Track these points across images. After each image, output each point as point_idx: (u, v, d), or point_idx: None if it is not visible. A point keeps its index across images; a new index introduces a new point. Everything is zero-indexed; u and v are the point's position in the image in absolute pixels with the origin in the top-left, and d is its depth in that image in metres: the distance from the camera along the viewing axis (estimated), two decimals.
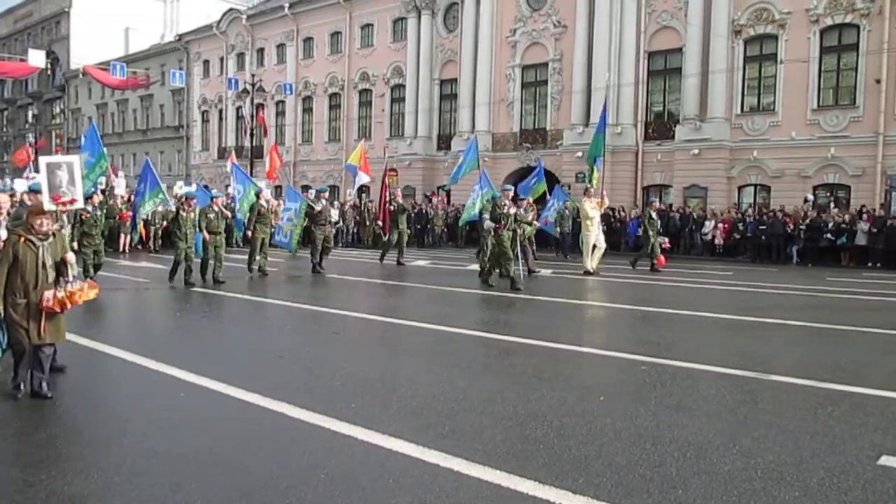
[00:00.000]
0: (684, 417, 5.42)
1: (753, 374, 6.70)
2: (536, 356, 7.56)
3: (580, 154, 27.84)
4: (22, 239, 5.54)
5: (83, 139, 14.50)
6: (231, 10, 45.37)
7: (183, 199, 14.53)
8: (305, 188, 32.40)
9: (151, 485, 4.17)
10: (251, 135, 33.80)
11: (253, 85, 32.28)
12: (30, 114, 63.41)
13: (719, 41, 25.51)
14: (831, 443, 4.83)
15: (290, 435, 5.03)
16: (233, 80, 38.24)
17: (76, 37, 57.78)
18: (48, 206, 6.05)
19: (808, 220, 21.28)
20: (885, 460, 4.51)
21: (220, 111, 46.26)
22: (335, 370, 6.93)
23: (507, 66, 31.48)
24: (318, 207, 16.35)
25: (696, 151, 25.75)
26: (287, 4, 40.15)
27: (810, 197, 23.43)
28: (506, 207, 13.62)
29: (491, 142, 31.66)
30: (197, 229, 13.91)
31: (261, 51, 43.08)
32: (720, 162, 25.64)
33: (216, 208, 14.33)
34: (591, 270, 15.97)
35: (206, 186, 23.72)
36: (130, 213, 22.33)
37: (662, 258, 17.56)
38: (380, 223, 18.29)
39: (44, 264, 5.59)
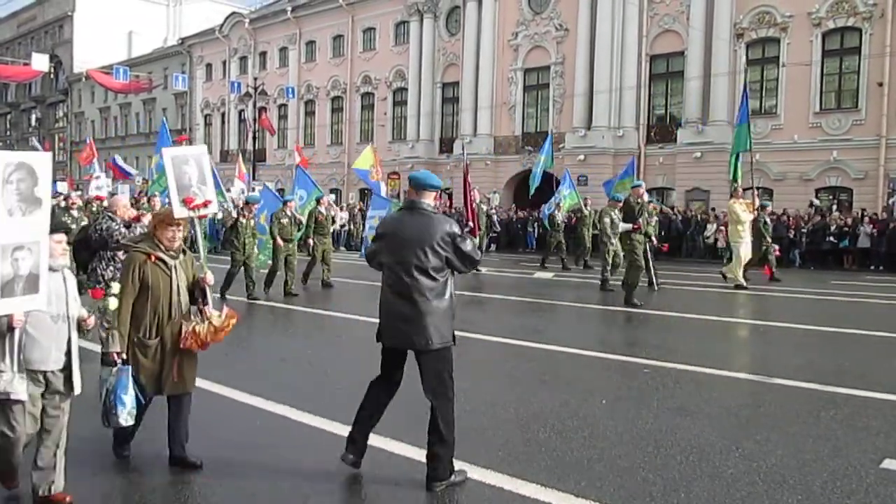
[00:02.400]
0: (686, 420, 5.41)
1: (756, 377, 6.69)
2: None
3: (582, 157, 27.87)
4: (151, 258, 4.26)
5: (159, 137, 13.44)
6: (233, 13, 45.44)
7: (242, 205, 13.52)
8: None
9: (154, 489, 4.18)
10: (254, 138, 33.79)
11: (255, 88, 32.26)
12: (33, 117, 63.62)
13: (721, 44, 25.50)
14: (834, 446, 4.83)
15: (292, 438, 5.04)
16: (235, 84, 38.27)
17: (79, 41, 57.88)
18: (180, 211, 4.68)
19: (811, 224, 21.25)
20: (888, 464, 4.50)
21: (223, 114, 46.32)
22: (340, 374, 6.94)
23: (508, 70, 31.49)
24: None
25: (699, 154, 25.72)
26: (289, 8, 40.21)
27: (816, 201, 23.40)
28: (640, 207, 12.32)
29: (493, 145, 31.66)
30: (259, 237, 12.60)
31: (263, 54, 43.14)
32: (722, 165, 25.52)
33: (289, 213, 13.02)
34: (744, 283, 13.87)
35: (280, 190, 22.74)
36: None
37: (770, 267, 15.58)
38: (470, 224, 17.15)
39: (178, 290, 4.34)
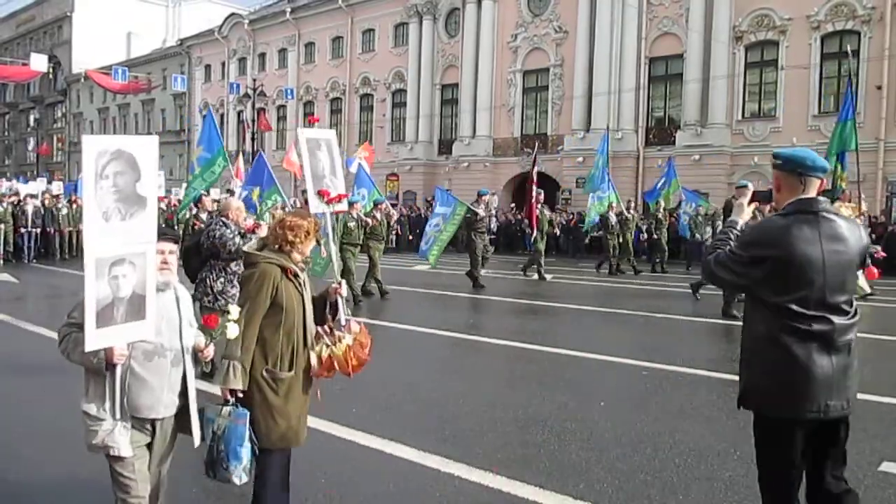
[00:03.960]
0: (684, 423, 5.41)
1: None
2: None
3: (581, 159, 27.86)
4: (288, 273, 3.39)
5: (199, 131, 11.85)
6: (233, 14, 45.47)
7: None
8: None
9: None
10: (252, 139, 33.78)
11: (254, 89, 32.28)
12: (31, 118, 63.54)
13: (720, 47, 25.54)
14: None
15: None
16: (234, 85, 38.27)
17: (78, 41, 57.88)
18: (316, 206, 3.98)
19: None
20: (886, 466, 4.50)
21: (222, 115, 46.27)
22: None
23: (508, 72, 31.52)
24: (480, 212, 14.03)
25: (697, 157, 25.75)
26: (289, 9, 40.23)
27: None
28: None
29: (492, 147, 31.69)
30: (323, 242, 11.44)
31: (262, 55, 43.15)
32: (721, 167, 25.63)
33: (355, 215, 11.87)
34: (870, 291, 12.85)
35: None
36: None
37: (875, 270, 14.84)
38: (526, 221, 15.52)
39: (309, 309, 3.53)
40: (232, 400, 3.23)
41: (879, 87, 22.70)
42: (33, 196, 20.66)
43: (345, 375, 3.52)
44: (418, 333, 9.33)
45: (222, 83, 44.38)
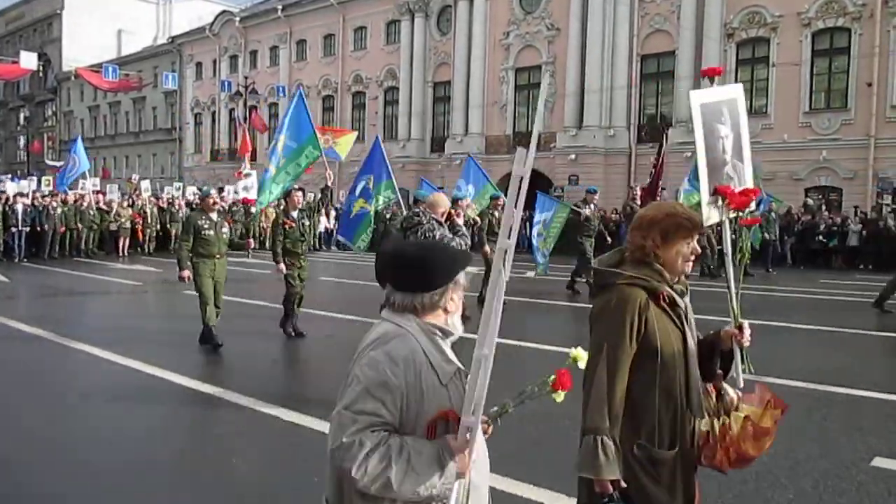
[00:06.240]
0: None
1: (748, 376, 6.70)
2: None
3: (573, 156, 27.91)
4: (660, 298, 2.25)
5: (286, 116, 9.60)
6: (224, 12, 45.30)
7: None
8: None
9: (147, 492, 4.15)
10: (242, 140, 33.66)
11: (246, 87, 32.20)
12: (21, 116, 63.15)
13: (712, 44, 25.61)
14: (825, 445, 4.84)
15: (283, 439, 5.01)
16: (226, 83, 38.16)
17: (68, 39, 57.57)
18: (710, 212, 2.94)
19: (801, 224, 21.33)
20: (879, 462, 4.52)
21: (213, 113, 46.15)
22: (326, 374, 6.91)
23: (500, 69, 31.52)
24: (585, 212, 12.85)
25: (689, 154, 25.80)
26: (280, 6, 40.10)
27: (811, 201, 23.52)
28: None
29: (484, 144, 31.69)
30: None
31: (254, 53, 43.01)
32: None
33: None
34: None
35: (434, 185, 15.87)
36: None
37: None
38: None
39: (693, 354, 2.38)
40: (616, 495, 2.14)
41: (870, 84, 22.80)
42: (23, 195, 20.51)
43: (716, 469, 2.37)
44: None
45: (214, 81, 44.22)
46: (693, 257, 2.29)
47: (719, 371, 2.49)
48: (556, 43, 29.72)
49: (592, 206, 13.10)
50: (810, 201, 23.41)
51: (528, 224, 16.83)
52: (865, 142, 23.03)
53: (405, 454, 1.71)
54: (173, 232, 22.37)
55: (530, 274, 14.07)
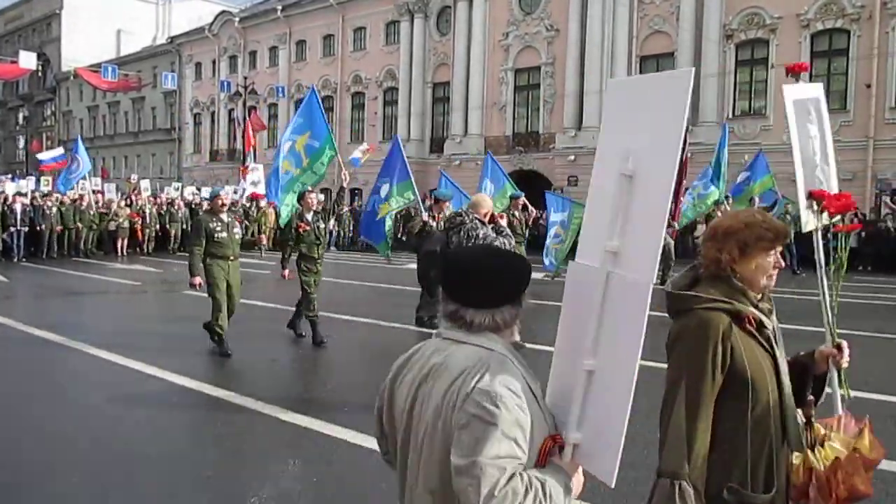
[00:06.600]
0: None
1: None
2: None
3: (572, 157, 27.92)
4: (747, 322, 2.03)
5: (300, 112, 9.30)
6: (223, 12, 45.31)
7: (432, 203, 10.47)
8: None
9: (144, 493, 4.14)
10: (243, 137, 33.67)
11: (245, 87, 32.18)
12: (20, 116, 63.12)
13: (711, 45, 25.64)
14: None
15: (282, 439, 5.01)
16: (225, 83, 38.15)
17: (67, 39, 57.56)
18: (809, 217, 2.79)
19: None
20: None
21: (213, 114, 46.14)
22: (325, 375, 6.90)
23: (499, 70, 31.54)
24: None
25: (689, 155, 25.78)
26: (279, 7, 40.12)
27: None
28: None
29: (483, 145, 31.68)
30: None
31: (253, 53, 43.01)
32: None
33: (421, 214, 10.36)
34: None
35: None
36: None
37: None
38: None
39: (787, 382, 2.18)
40: None
41: (869, 86, 22.84)
42: (22, 195, 20.50)
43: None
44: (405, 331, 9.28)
45: (213, 81, 44.23)
46: (776, 271, 2.07)
47: (810, 397, 2.26)
48: (555, 44, 29.75)
49: None
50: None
51: (541, 224, 16.75)
52: (864, 143, 23.05)
53: (547, 490, 1.64)
54: (172, 232, 22.39)
55: (540, 276, 13.62)
